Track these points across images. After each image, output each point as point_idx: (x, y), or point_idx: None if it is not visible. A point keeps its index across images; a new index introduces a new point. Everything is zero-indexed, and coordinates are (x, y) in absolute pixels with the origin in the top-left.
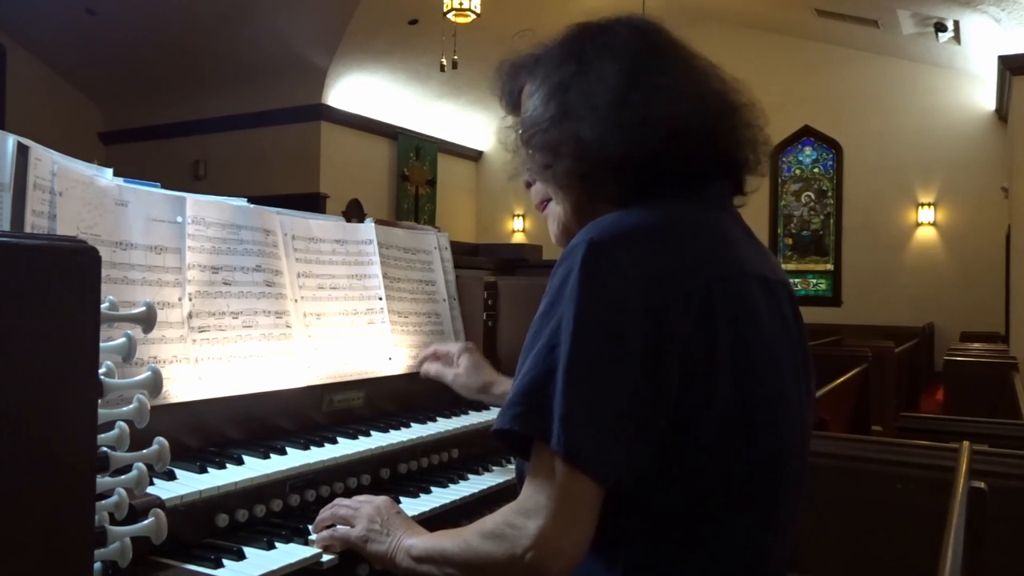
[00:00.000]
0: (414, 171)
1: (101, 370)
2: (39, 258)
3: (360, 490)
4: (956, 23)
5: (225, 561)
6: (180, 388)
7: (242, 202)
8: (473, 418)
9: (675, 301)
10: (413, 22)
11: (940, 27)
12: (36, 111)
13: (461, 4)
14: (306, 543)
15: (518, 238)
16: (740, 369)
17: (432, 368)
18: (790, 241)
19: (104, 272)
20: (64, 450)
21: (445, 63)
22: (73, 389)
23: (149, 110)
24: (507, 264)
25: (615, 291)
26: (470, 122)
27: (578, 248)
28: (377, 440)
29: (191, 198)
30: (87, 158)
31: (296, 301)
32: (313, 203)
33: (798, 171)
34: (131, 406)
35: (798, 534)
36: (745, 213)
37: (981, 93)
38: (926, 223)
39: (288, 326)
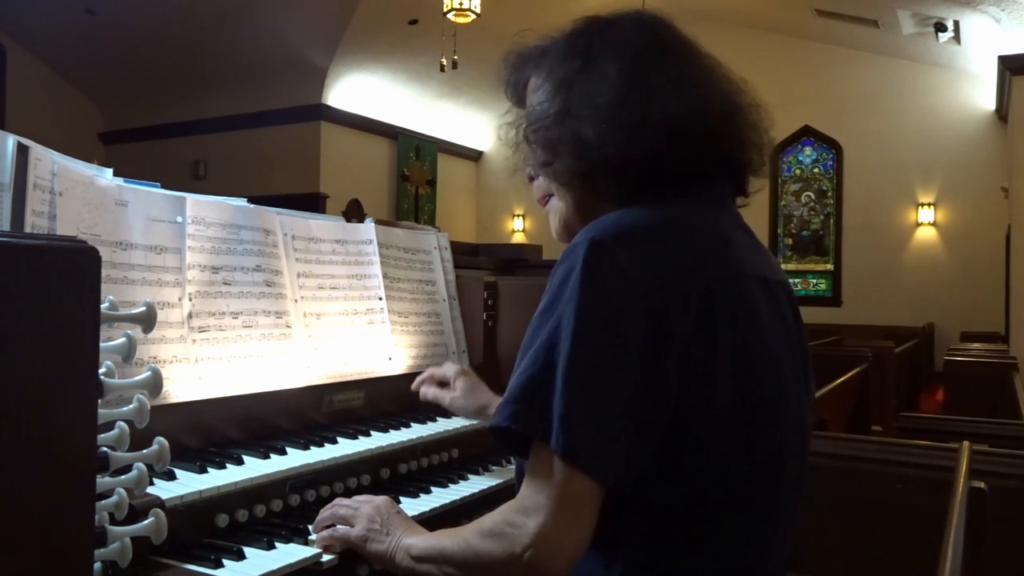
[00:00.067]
0: (414, 171)
1: (101, 370)
2: (39, 258)
3: (360, 490)
4: (956, 23)
5: (225, 561)
6: (180, 388)
7: (242, 202)
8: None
9: (675, 301)
10: (413, 22)
11: (940, 27)
12: (36, 111)
13: (461, 4)
14: (306, 543)
15: (518, 238)
16: (740, 369)
17: (429, 392)
18: (790, 241)
19: (104, 272)
20: (64, 450)
21: (445, 63)
22: (73, 389)
23: (149, 110)
24: (507, 264)
25: (615, 291)
26: (470, 122)
27: (579, 247)
28: (377, 440)
29: (191, 198)
30: (87, 158)
31: (296, 301)
32: (313, 203)
33: (798, 171)
34: (131, 406)
35: (798, 534)
36: (745, 213)
37: (981, 93)
38: (926, 223)
39: (288, 326)
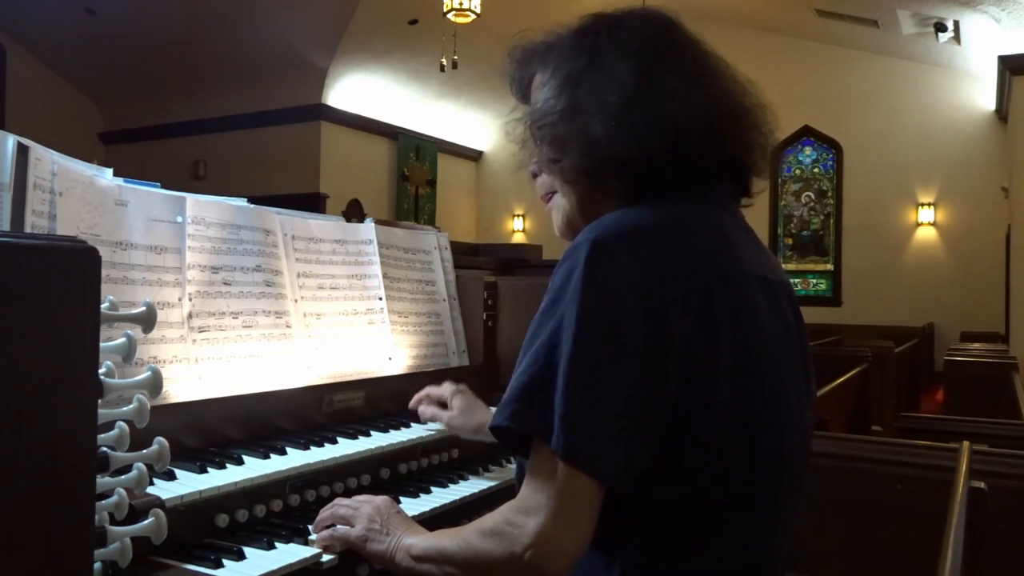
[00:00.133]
0: (414, 171)
1: (101, 370)
2: (39, 258)
3: (360, 490)
4: (956, 23)
5: (225, 561)
6: (180, 388)
7: (242, 202)
8: None
9: (675, 301)
10: (413, 22)
11: (940, 27)
12: (36, 111)
13: (461, 4)
14: (306, 543)
15: (518, 238)
16: (740, 370)
17: (428, 411)
18: (790, 241)
19: (104, 272)
20: (64, 450)
21: (445, 63)
22: (73, 389)
23: (149, 110)
24: (507, 264)
25: (616, 291)
26: (470, 122)
27: (581, 247)
28: (377, 440)
29: (191, 198)
30: (87, 158)
31: (296, 301)
32: (313, 203)
33: (798, 171)
34: (131, 406)
35: (798, 534)
36: (745, 213)
37: (981, 93)
38: (926, 223)
39: (288, 326)
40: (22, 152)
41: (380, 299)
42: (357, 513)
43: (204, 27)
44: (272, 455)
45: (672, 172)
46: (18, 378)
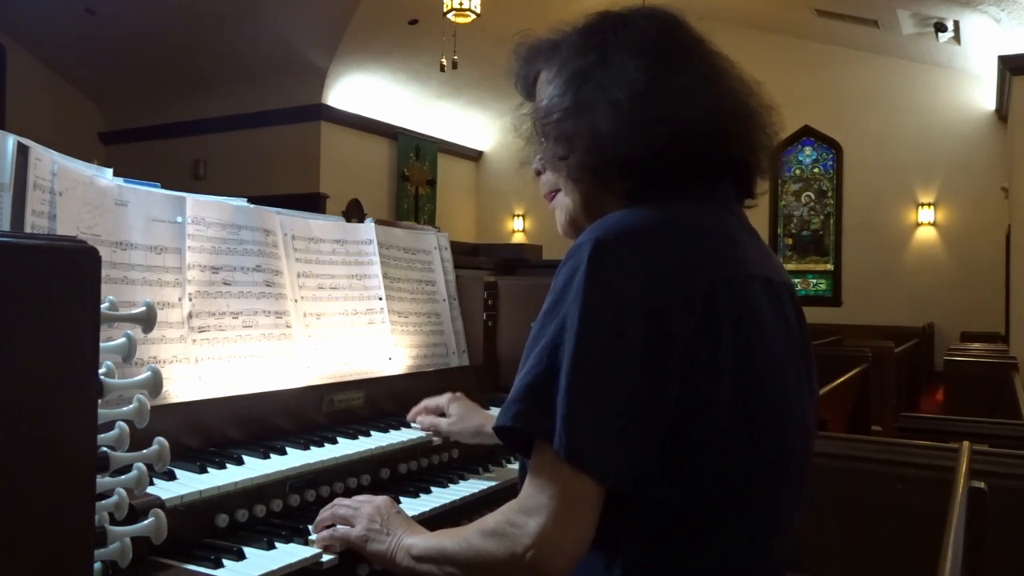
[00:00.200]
0: (414, 171)
1: (101, 370)
2: (39, 258)
3: (360, 490)
4: (956, 23)
5: (225, 561)
6: (180, 388)
7: (242, 202)
8: None
9: (677, 301)
10: (413, 22)
11: (940, 27)
12: (36, 111)
13: (461, 4)
14: (306, 543)
15: (518, 238)
16: (743, 370)
17: (426, 421)
18: (790, 241)
19: (104, 272)
20: (64, 450)
21: (445, 63)
22: (73, 389)
23: (149, 110)
24: (507, 264)
25: (618, 291)
26: (470, 122)
27: (584, 247)
28: (377, 440)
29: (191, 198)
30: (87, 158)
31: (296, 301)
32: (313, 203)
33: (798, 171)
34: (131, 406)
35: (798, 534)
36: (746, 213)
37: (981, 93)
38: (926, 223)
39: (288, 326)
40: (22, 152)
41: (380, 299)
42: (357, 513)
43: (204, 27)
44: (272, 455)
45: (676, 171)
46: (18, 378)
